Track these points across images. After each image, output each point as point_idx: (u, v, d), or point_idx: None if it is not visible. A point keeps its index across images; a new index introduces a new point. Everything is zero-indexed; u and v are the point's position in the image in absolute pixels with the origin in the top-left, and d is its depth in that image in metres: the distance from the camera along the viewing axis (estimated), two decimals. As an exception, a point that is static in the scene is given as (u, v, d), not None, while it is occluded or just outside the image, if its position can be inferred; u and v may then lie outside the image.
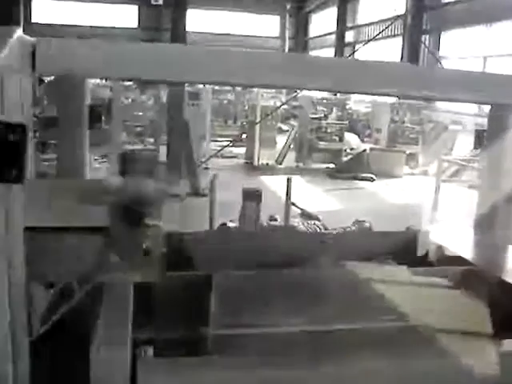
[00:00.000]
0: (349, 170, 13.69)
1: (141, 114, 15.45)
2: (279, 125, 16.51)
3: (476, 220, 2.45)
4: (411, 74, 1.68)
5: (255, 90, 15.52)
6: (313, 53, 31.38)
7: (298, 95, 16.34)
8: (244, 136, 15.20)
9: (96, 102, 11.71)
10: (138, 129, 15.11)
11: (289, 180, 1.60)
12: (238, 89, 17.65)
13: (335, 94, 17.20)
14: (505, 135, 2.24)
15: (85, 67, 1.32)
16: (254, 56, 1.48)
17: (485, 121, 4.37)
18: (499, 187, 2.29)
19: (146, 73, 1.31)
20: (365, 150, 14.56)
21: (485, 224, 2.37)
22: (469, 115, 15.17)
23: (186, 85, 12.95)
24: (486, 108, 2.50)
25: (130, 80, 10.83)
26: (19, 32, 1.24)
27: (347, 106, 17.00)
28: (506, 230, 2.30)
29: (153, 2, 27.87)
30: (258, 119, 14.42)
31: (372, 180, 13.19)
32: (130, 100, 15.77)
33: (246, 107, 16.79)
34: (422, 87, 1.57)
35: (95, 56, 1.31)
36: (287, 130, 16.48)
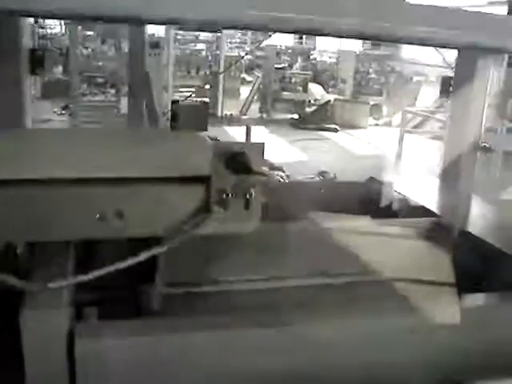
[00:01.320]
0: (313, 120, 13.63)
1: (101, 64, 15.06)
2: (243, 75, 16.30)
3: (441, 170, 2.42)
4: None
5: (219, 39, 15.22)
6: None
7: (263, 45, 16.08)
8: (207, 87, 14.96)
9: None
10: (99, 80, 14.73)
11: (248, 128, 1.54)
12: (201, 38, 17.29)
13: (300, 43, 16.98)
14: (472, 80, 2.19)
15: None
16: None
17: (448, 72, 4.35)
18: (466, 133, 2.25)
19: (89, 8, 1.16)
20: (329, 101, 14.49)
21: (449, 174, 2.34)
22: (432, 66, 15.16)
23: (147, 34, 12.63)
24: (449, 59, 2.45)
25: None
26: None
27: (312, 57, 16.85)
28: (470, 178, 2.28)
29: None
30: (222, 69, 14.20)
31: (336, 131, 13.17)
32: (90, 50, 15.33)
33: (210, 57, 16.46)
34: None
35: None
36: (251, 81, 16.29)
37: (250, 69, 18.16)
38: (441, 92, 2.32)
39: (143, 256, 1.39)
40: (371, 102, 14.62)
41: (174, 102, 9.81)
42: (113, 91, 13.87)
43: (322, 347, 1.47)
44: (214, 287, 1.63)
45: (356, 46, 16.55)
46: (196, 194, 1.45)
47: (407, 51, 16.02)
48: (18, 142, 1.42)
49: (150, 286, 1.54)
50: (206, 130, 9.09)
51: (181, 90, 14.62)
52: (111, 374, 1.36)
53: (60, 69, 16.29)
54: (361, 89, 15.57)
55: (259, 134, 11.28)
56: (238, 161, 1.45)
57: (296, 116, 14.20)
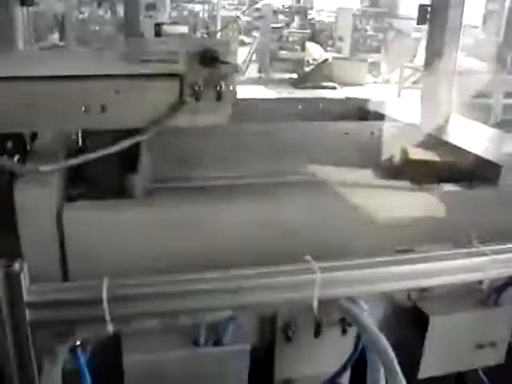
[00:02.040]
0: (311, 79, 13.54)
1: (97, 28, 14.96)
2: (241, 37, 16.16)
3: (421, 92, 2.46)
4: None
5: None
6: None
7: (260, 5, 15.92)
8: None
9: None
10: (96, 44, 14.65)
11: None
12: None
13: (298, 2, 16.87)
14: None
15: None
16: None
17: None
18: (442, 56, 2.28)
19: None
20: (327, 60, 14.37)
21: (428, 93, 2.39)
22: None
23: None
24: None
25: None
26: None
27: (309, 16, 16.67)
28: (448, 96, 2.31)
29: None
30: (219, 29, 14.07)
31: (334, 88, 13.09)
32: (85, 14, 15.21)
33: (207, 18, 16.33)
34: None
35: None
36: (250, 43, 16.15)
37: (248, 30, 17.98)
38: (418, 20, 2.31)
39: (126, 143, 1.51)
40: (369, 60, 14.50)
41: (158, 24, 9.80)
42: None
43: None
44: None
45: (354, 3, 16.37)
46: (171, 88, 1.54)
47: (405, 8, 15.82)
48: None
49: (134, 176, 1.64)
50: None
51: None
52: (99, 247, 1.46)
53: (56, 35, 16.18)
54: (359, 47, 15.43)
55: (258, 93, 11.27)
56: (209, 55, 1.49)
57: (295, 75, 14.11)
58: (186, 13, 17.35)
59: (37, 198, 1.41)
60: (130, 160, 1.71)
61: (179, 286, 1.30)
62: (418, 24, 2.44)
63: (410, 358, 1.67)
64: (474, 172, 1.92)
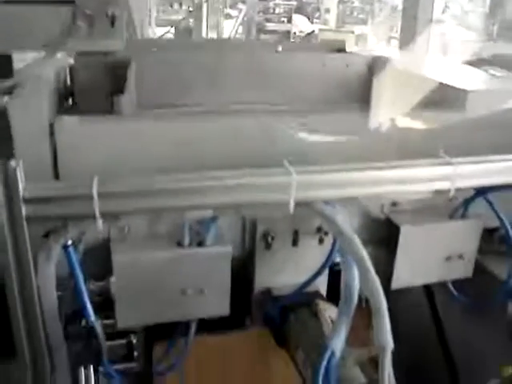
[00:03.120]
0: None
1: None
2: (228, 11, 16.12)
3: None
4: None
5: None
6: None
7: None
8: (191, 21, 14.81)
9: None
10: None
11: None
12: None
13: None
14: None
15: None
16: None
17: None
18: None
19: None
20: (313, 31, 14.41)
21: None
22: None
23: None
24: None
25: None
26: None
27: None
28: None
29: None
30: (205, 2, 14.02)
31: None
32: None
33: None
34: None
35: None
36: (236, 16, 16.12)
37: (234, 3, 17.93)
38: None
39: None
40: (356, 32, 14.54)
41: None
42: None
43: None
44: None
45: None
46: (64, 14, 1.62)
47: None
48: None
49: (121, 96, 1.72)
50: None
51: (163, 24, 14.50)
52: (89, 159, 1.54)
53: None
54: (345, 19, 15.47)
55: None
56: None
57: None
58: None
59: (29, 108, 1.50)
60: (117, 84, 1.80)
61: (164, 184, 1.39)
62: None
63: (382, 270, 1.78)
64: (444, 99, 2.02)
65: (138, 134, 1.61)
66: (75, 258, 1.48)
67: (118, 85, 1.85)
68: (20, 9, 1.55)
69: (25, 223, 1.34)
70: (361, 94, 2.32)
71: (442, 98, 2.03)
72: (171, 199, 1.40)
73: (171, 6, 15.73)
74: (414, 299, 2.42)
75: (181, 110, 1.98)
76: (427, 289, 2.32)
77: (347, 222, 1.56)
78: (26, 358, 1.49)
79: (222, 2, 14.86)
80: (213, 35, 13.72)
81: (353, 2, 15.72)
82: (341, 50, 2.67)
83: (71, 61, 1.89)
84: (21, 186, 1.31)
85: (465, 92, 1.93)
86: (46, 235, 1.46)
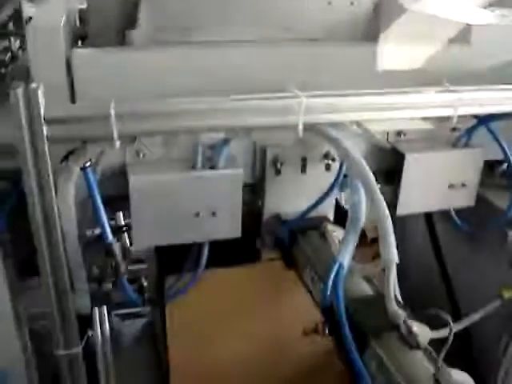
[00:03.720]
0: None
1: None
2: None
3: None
4: None
5: None
6: None
7: None
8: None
9: None
10: None
11: None
12: None
13: None
14: None
15: None
16: None
17: None
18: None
19: None
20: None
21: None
22: None
23: None
24: None
25: None
26: None
27: None
28: None
29: None
30: None
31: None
32: None
33: None
34: None
35: None
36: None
37: None
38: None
39: None
40: None
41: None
42: None
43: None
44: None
45: None
46: None
47: None
48: None
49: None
50: None
51: None
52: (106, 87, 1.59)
53: None
54: None
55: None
56: None
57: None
58: None
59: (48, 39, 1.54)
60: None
61: (176, 105, 1.44)
62: None
63: (387, 198, 1.83)
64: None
65: (149, 62, 1.65)
66: (93, 179, 1.54)
67: (129, 22, 1.89)
68: None
69: (46, 143, 1.40)
70: (366, 32, 2.34)
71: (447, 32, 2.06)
72: (184, 120, 1.45)
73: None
74: (416, 227, 2.50)
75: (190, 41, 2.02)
76: (428, 217, 2.38)
77: (355, 148, 1.61)
78: (48, 278, 1.56)
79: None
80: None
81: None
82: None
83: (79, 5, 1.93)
84: (42, 107, 1.36)
85: (469, 26, 1.97)
86: (66, 157, 1.52)
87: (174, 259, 1.98)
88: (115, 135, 1.40)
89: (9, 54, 2.26)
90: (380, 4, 2.45)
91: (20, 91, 1.35)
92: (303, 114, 1.51)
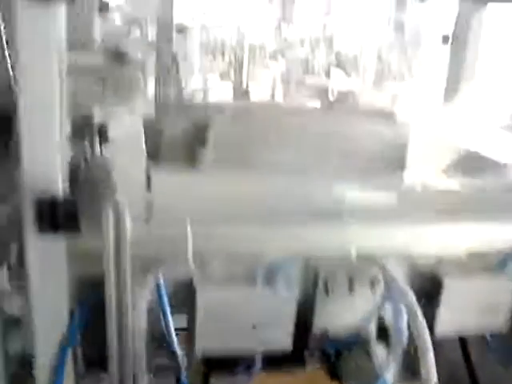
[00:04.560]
0: (334, 107, 13.88)
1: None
2: (267, 62, 16.59)
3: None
4: None
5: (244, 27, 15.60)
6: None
7: (286, 32, 16.38)
8: (232, 72, 15.32)
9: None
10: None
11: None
12: (228, 25, 17.63)
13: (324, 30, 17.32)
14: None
15: None
16: None
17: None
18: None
19: None
20: (351, 88, 14.73)
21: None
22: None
23: (175, 20, 13.06)
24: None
25: None
26: None
27: (335, 44, 17.09)
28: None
29: None
30: (246, 55, 14.56)
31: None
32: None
33: (235, 43, 16.78)
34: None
35: None
36: (274, 68, 16.57)
37: (273, 57, 18.44)
38: (442, 40, 2.68)
39: None
40: (393, 89, 14.80)
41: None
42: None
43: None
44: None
45: (379, 33, 16.76)
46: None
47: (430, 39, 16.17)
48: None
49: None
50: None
51: (206, 74, 15.00)
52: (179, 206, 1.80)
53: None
54: (384, 76, 15.79)
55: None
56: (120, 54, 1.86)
57: (318, 102, 14.47)
58: (212, 37, 17.87)
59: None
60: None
61: (249, 230, 1.65)
62: (442, 43, 2.77)
63: (426, 317, 1.98)
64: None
65: (221, 186, 1.87)
66: (164, 294, 1.73)
67: (198, 141, 2.12)
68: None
69: (128, 260, 1.59)
70: (397, 162, 2.55)
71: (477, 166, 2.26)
72: (251, 245, 1.66)
73: (214, 58, 16.26)
74: (450, 348, 2.60)
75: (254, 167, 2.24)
76: (461, 339, 2.49)
77: (399, 273, 1.79)
78: (115, 375, 1.72)
79: (262, 54, 15.36)
80: (252, 85, 14.15)
81: (390, 61, 16.07)
82: (382, 114, 2.90)
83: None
84: (128, 226, 1.56)
85: (499, 164, 2.17)
86: (142, 272, 1.71)
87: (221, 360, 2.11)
88: (190, 254, 1.60)
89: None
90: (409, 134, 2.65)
91: (110, 213, 1.56)
92: (357, 242, 1.70)
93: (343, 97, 14.43)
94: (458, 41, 2.74)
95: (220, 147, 2.24)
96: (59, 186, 1.56)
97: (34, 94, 1.49)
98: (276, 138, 2.40)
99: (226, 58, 16.22)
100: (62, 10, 1.48)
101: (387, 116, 2.91)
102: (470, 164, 2.30)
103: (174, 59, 12.38)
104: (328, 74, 15.04)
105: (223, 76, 14.95)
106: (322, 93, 14.53)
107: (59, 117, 1.54)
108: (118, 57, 1.85)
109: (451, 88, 2.80)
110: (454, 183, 2.10)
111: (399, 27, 17.23)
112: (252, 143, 2.35)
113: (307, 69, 15.04)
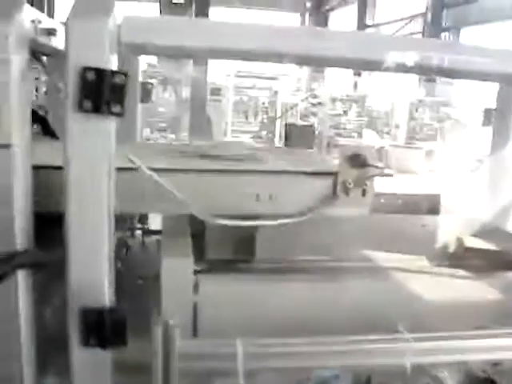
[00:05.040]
0: (368, 165, 13.87)
1: (162, 110, 15.77)
2: (299, 122, 16.75)
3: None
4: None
5: (276, 86, 15.83)
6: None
7: (317, 92, 16.59)
8: (264, 133, 15.49)
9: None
10: (161, 125, 15.46)
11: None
12: (259, 85, 17.92)
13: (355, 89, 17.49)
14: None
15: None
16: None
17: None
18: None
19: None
20: (383, 147, 14.75)
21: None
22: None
23: (209, 81, 13.33)
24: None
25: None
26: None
27: (366, 104, 17.22)
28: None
29: (174, 1, 28.14)
30: (278, 116, 14.72)
31: (391, 175, 13.34)
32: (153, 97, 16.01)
33: (267, 104, 17.03)
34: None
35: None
36: (307, 127, 16.71)
37: (305, 116, 18.61)
38: (484, 122, 2.63)
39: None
40: (425, 148, 14.80)
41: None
42: (173, 136, 14.58)
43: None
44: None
45: (410, 92, 16.86)
46: (326, 184, 1.95)
47: (462, 98, 16.19)
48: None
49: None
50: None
51: (239, 135, 15.20)
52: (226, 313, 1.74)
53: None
54: (415, 135, 15.80)
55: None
56: (358, 159, 1.90)
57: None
58: (246, 98, 18.16)
59: (181, 268, 1.74)
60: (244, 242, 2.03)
61: (297, 347, 1.59)
62: (483, 126, 2.72)
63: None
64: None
65: (271, 295, 1.83)
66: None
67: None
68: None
69: (176, 376, 1.54)
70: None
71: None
72: (302, 360, 1.60)
73: (246, 118, 16.47)
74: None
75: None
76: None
77: (451, 381, 1.71)
78: None
79: (294, 114, 15.50)
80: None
81: (422, 119, 16.11)
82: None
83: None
84: (178, 343, 1.52)
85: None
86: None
87: None
88: (240, 372, 1.54)
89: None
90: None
91: (160, 330, 1.52)
92: (411, 356, 1.63)
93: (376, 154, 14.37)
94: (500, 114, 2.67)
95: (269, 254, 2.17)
96: (106, 296, 1.53)
97: (83, 206, 1.48)
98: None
99: (259, 118, 16.45)
100: (112, 125, 1.48)
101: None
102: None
103: (208, 120, 12.61)
104: (360, 135, 15.11)
105: (255, 137, 15.08)
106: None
107: (108, 228, 1.52)
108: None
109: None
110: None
111: (430, 85, 17.33)
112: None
113: (340, 132, 15.11)
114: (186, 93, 14.00)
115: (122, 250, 2.48)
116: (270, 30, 1.73)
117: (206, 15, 20.62)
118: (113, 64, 1.46)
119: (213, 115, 12.60)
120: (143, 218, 2.73)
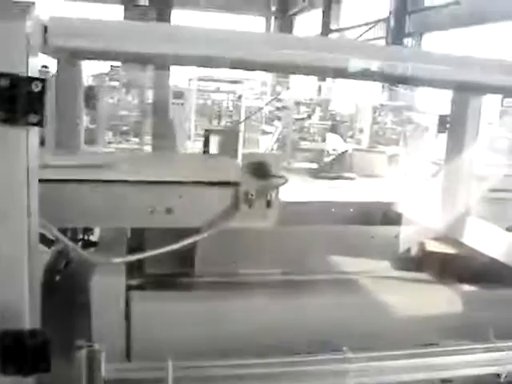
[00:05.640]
0: (331, 169, 13.90)
1: (125, 113, 15.59)
2: (263, 126, 16.70)
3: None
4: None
5: (240, 90, 15.76)
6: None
7: (282, 96, 16.55)
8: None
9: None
10: (124, 128, 15.27)
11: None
12: (223, 89, 17.84)
13: (319, 94, 17.52)
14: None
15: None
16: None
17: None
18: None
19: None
20: (347, 151, 14.78)
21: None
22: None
23: (171, 84, 13.20)
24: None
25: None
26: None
27: (330, 107, 17.25)
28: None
29: (137, 3, 27.87)
30: (242, 119, 14.63)
31: (352, 179, 13.41)
32: (115, 100, 15.86)
33: (231, 108, 16.95)
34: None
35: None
36: (271, 132, 16.67)
37: (269, 120, 18.57)
38: (438, 128, 2.59)
39: (184, 242, 1.75)
40: (388, 152, 14.86)
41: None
42: (136, 139, 14.41)
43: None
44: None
45: (373, 97, 16.94)
46: (228, 195, 1.83)
47: (424, 102, 16.32)
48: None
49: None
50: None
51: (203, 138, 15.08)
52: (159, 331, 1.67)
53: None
54: (378, 139, 15.87)
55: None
56: (261, 168, 1.75)
57: (314, 165, 14.49)
58: (209, 102, 18.06)
59: (111, 286, 1.64)
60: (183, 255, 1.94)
61: (229, 370, 1.50)
62: (438, 132, 2.68)
63: None
64: (490, 273, 2.12)
65: (203, 312, 1.74)
66: None
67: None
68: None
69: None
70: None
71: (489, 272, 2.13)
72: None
73: (210, 122, 16.37)
74: None
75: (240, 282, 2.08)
76: None
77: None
78: None
79: (259, 118, 15.44)
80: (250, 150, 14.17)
81: (385, 123, 16.17)
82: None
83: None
84: (103, 369, 1.42)
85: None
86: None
87: None
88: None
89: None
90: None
91: (83, 354, 1.42)
92: (353, 377, 1.55)
93: (338, 159, 14.44)
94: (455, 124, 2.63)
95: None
96: (25, 319, 1.41)
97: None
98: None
99: (222, 122, 16.36)
100: (31, 135, 1.37)
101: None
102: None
103: (171, 124, 12.46)
104: (324, 139, 15.09)
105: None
106: (318, 155, 14.53)
107: (27, 245, 1.41)
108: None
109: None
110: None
111: (393, 90, 17.45)
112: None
113: (304, 136, 15.08)
114: (149, 96, 13.87)
115: (60, 264, 2.36)
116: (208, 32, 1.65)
117: (168, 18, 20.50)
118: (32, 70, 1.35)
119: (176, 119, 12.43)
120: (88, 230, 2.61)
